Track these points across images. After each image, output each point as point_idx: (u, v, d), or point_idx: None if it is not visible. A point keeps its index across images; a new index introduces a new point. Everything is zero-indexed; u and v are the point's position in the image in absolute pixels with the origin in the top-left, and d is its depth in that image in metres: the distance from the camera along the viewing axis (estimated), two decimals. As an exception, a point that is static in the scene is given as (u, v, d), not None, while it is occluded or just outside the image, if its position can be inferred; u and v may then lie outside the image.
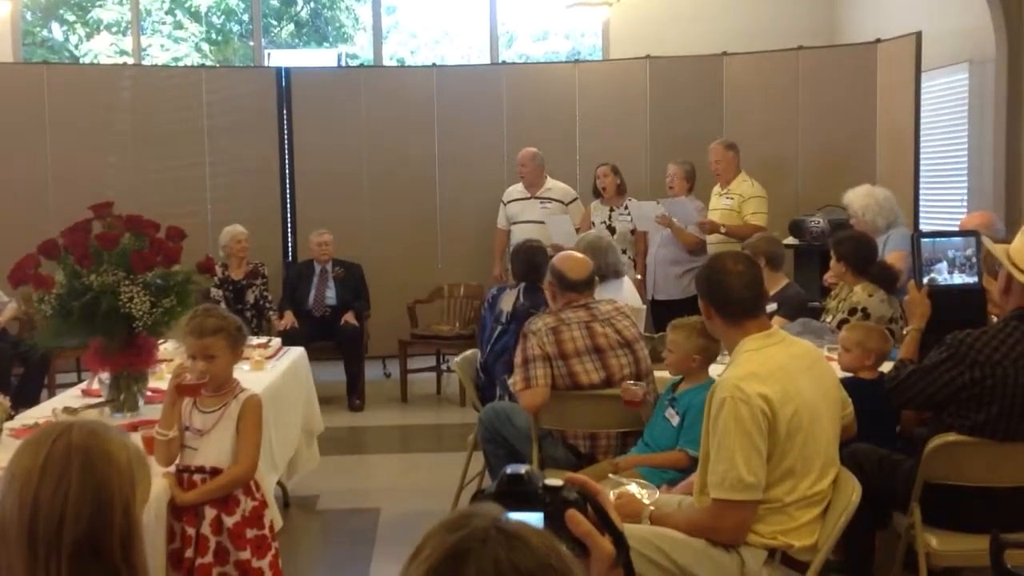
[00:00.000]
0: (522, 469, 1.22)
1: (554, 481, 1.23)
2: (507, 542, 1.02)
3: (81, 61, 12.39)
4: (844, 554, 3.44)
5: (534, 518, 1.16)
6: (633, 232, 7.12)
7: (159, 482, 2.96)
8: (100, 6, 12.96)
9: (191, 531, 3.00)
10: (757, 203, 6.73)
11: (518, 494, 1.19)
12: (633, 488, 3.06)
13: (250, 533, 3.05)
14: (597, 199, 7.27)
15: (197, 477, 3.04)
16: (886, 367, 3.71)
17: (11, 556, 1.56)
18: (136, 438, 3.17)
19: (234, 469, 3.05)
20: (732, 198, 6.80)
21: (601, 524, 1.24)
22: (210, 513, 3.01)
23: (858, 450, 3.45)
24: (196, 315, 3.20)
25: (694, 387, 3.66)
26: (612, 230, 7.01)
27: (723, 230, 6.66)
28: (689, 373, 3.72)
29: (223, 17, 13.74)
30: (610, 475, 3.43)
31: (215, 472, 3.04)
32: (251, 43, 10.91)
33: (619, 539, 1.24)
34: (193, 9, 13.33)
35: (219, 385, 3.11)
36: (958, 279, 3.83)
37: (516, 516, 1.10)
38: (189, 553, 2.98)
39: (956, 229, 5.63)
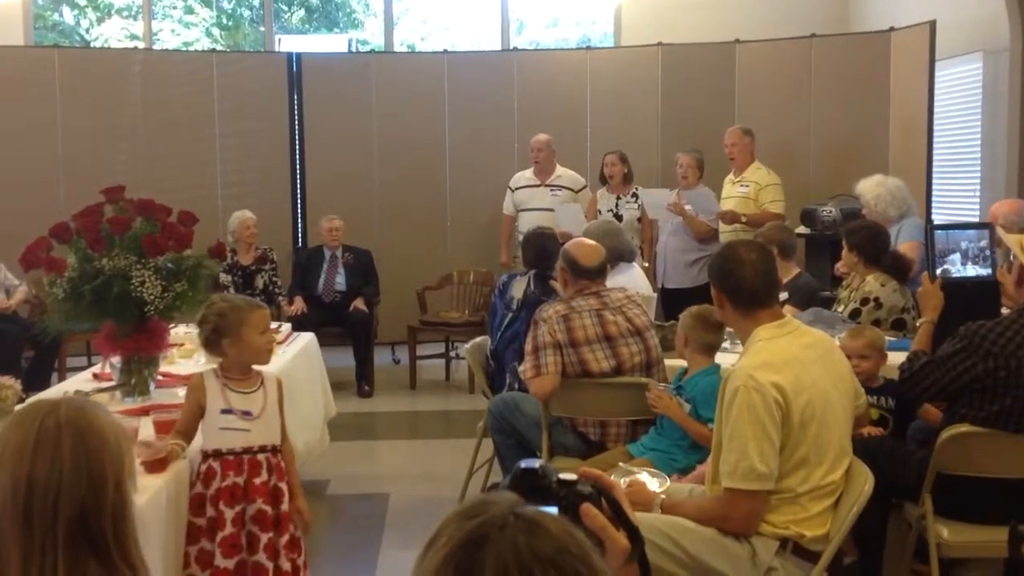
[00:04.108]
0: (536, 463, 1.21)
1: (568, 475, 1.22)
2: (525, 527, 1.01)
3: (92, 45, 12.36)
4: (854, 544, 3.43)
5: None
6: (640, 220, 7.10)
7: (181, 463, 2.98)
8: (111, -10, 12.94)
9: (230, 512, 2.98)
10: (774, 191, 6.69)
11: (532, 488, 1.18)
12: (644, 477, 3.06)
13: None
14: (604, 187, 7.25)
15: (260, 457, 3.06)
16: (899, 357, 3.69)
17: (3, 535, 1.54)
18: (147, 422, 3.18)
19: (287, 446, 3.17)
20: (747, 186, 6.76)
21: (616, 519, 1.23)
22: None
23: (870, 440, 3.44)
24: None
25: (699, 371, 3.68)
26: (619, 218, 6.98)
27: (744, 219, 6.60)
28: (691, 362, 3.73)
29: (234, 2, 13.71)
30: (620, 464, 3.43)
31: (275, 449, 3.11)
32: (262, 28, 10.88)
33: (634, 534, 1.23)
34: (204, -6, 13.32)
35: (244, 368, 3.13)
36: (972, 271, 3.81)
37: None
38: (222, 534, 2.96)
39: (970, 220, 5.59)
